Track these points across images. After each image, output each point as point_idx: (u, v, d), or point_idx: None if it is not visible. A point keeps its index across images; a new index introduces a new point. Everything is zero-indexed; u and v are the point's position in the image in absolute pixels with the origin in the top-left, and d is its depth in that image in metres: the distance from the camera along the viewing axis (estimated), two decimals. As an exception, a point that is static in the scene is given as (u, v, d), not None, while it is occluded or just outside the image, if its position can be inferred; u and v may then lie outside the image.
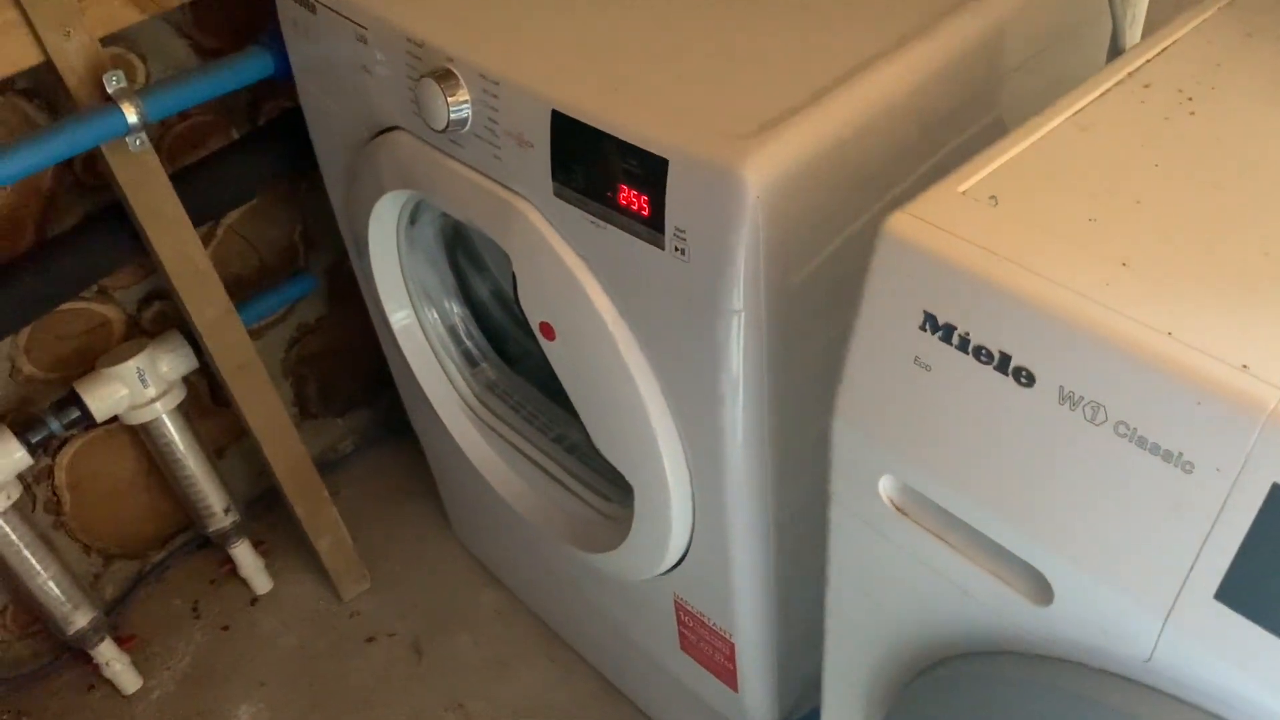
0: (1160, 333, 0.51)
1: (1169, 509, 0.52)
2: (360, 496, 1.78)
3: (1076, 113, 0.68)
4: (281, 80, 1.19)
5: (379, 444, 1.87)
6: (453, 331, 1.30)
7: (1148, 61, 0.72)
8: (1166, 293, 0.53)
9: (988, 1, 0.86)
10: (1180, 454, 0.51)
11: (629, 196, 0.78)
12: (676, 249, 0.76)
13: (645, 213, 0.77)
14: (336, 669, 1.56)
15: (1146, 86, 0.70)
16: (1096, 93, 0.70)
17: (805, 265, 0.79)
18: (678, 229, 0.76)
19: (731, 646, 1.08)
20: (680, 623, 1.14)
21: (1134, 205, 0.60)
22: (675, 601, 1.11)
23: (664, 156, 0.74)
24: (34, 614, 1.53)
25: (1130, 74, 0.71)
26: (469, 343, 1.31)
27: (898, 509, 0.69)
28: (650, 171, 0.75)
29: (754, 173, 0.71)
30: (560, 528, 1.21)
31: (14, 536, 1.38)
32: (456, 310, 1.30)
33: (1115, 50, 0.84)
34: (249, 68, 1.16)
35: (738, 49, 0.84)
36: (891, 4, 0.87)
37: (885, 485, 0.69)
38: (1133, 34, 0.86)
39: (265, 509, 1.73)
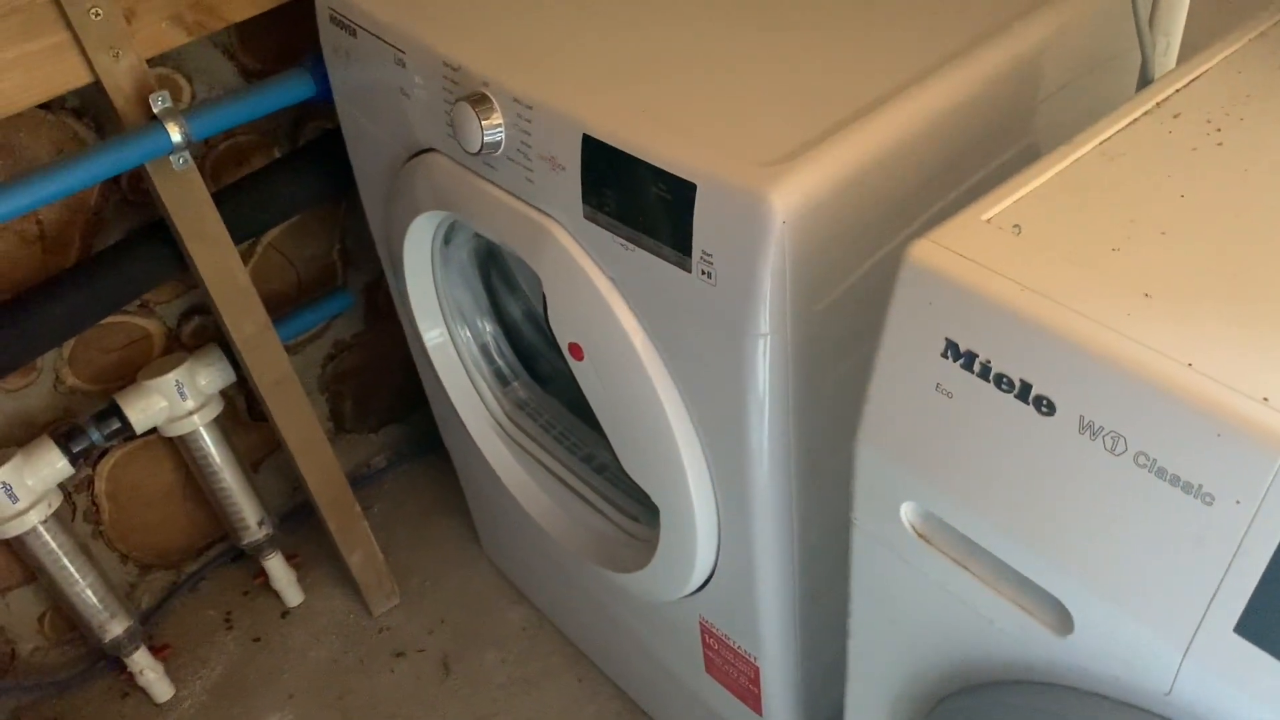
0: (1181, 364, 0.51)
1: (1189, 541, 0.52)
2: (392, 512, 1.80)
3: (1103, 142, 0.68)
4: (322, 102, 1.22)
5: (412, 460, 1.89)
6: (485, 350, 1.31)
7: (1177, 91, 0.72)
8: (1189, 324, 0.53)
9: (1020, 29, 0.86)
10: (1200, 486, 0.51)
11: (658, 220, 0.79)
12: (703, 273, 0.77)
13: (674, 237, 0.78)
14: (365, 683, 1.57)
15: (1175, 117, 0.70)
16: (1124, 122, 0.70)
17: (831, 290, 0.79)
18: (705, 253, 0.76)
19: (756, 670, 1.08)
20: (705, 645, 1.14)
21: (1159, 235, 0.60)
22: (700, 623, 1.11)
23: (692, 181, 0.75)
24: (71, 621, 1.56)
25: (1159, 104, 0.71)
26: (500, 361, 1.32)
27: (919, 535, 0.69)
28: (679, 196, 0.76)
29: (781, 199, 0.71)
30: (587, 547, 1.21)
31: (54, 545, 1.40)
32: (489, 329, 1.31)
33: (1145, 79, 0.83)
34: (291, 89, 1.19)
35: (769, 74, 0.85)
36: (925, 31, 0.88)
37: (907, 511, 0.69)
38: (1165, 63, 0.86)
39: (299, 522, 1.75)
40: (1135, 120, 0.70)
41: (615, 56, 0.91)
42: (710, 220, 0.75)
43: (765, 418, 0.82)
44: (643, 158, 0.78)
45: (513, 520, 1.40)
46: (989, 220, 0.62)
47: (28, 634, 1.56)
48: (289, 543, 1.70)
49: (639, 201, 0.80)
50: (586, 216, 0.86)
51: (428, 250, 1.19)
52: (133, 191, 1.35)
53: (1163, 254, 0.58)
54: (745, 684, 1.12)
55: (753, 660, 1.07)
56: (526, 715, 1.49)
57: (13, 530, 1.35)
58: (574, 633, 1.55)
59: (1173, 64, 0.87)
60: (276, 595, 1.68)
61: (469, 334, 1.29)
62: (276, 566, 1.65)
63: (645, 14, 0.96)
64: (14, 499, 1.33)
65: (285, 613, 1.68)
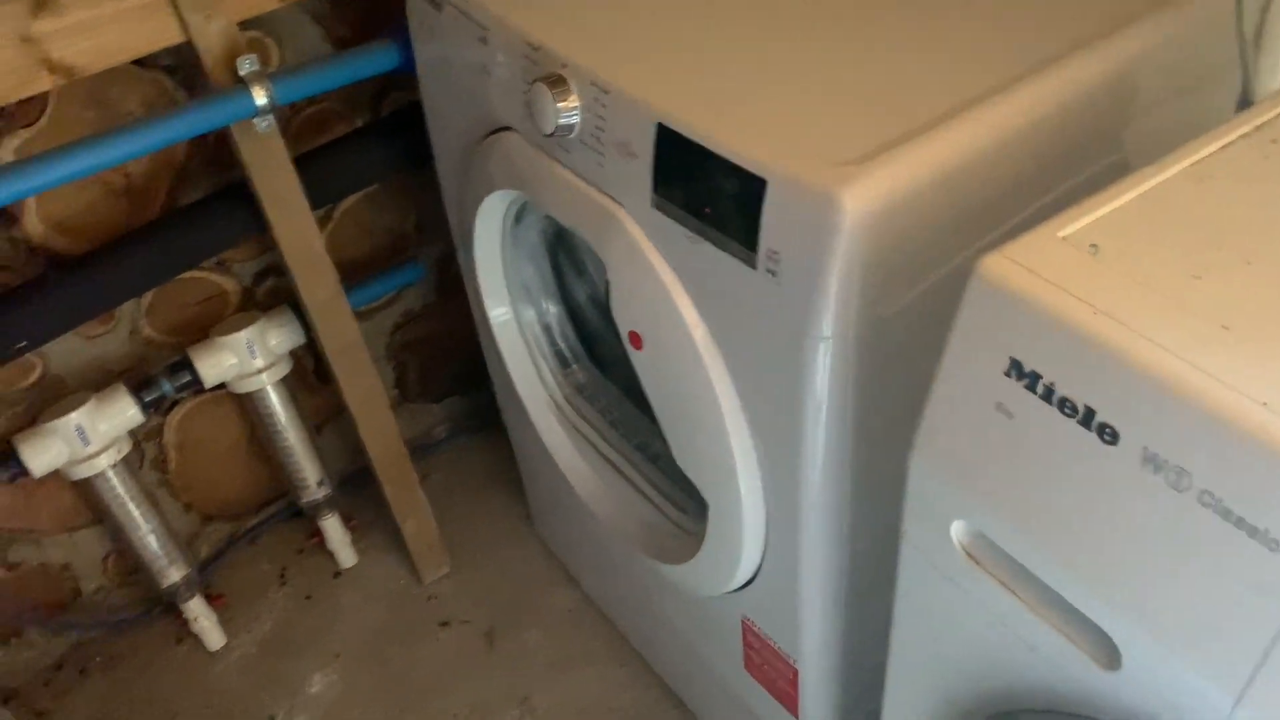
0: (1256, 402, 0.49)
1: (1250, 586, 0.50)
2: (448, 483, 1.82)
3: (1195, 163, 0.66)
4: (405, 74, 1.23)
5: (471, 434, 1.91)
6: (548, 331, 1.32)
7: (1278, 115, 0.69)
8: (1267, 361, 0.51)
9: (1118, 40, 0.83)
10: (1267, 530, 0.49)
11: (726, 214, 0.78)
12: (769, 270, 0.76)
13: (741, 232, 0.77)
14: (409, 649, 1.59)
15: (1274, 141, 0.67)
16: (1219, 144, 0.67)
17: (899, 297, 0.78)
18: (772, 250, 0.75)
19: (795, 672, 1.07)
20: (746, 643, 1.13)
21: (1243, 264, 0.57)
22: (742, 621, 1.10)
23: (763, 177, 0.74)
24: (133, 565, 1.61)
25: (1258, 127, 0.68)
26: (562, 344, 1.33)
27: (968, 555, 0.67)
28: (749, 191, 0.75)
29: (853, 200, 0.70)
30: (635, 534, 1.21)
31: (121, 490, 1.45)
32: (553, 311, 1.31)
33: (1245, 100, 0.80)
34: (376, 59, 1.20)
35: (853, 71, 0.84)
36: (1018, 36, 0.85)
37: (958, 530, 0.67)
38: (1269, 84, 0.83)
39: (357, 486, 1.77)
40: (1231, 143, 0.67)
41: (697, 47, 0.90)
42: (779, 217, 0.74)
43: (822, 422, 0.81)
44: (715, 150, 0.77)
45: (564, 502, 1.40)
46: (1065, 238, 0.60)
47: (92, 573, 1.61)
48: (346, 505, 1.72)
49: (709, 194, 0.79)
50: (655, 205, 0.85)
51: (498, 228, 1.20)
52: (218, 151, 1.38)
53: (1246, 285, 0.56)
54: (783, 685, 1.11)
55: (792, 662, 1.06)
56: (565, 696, 1.50)
57: (83, 473, 1.40)
58: (618, 619, 1.56)
59: (1277, 85, 0.83)
60: (330, 555, 1.71)
61: (534, 314, 1.30)
62: (332, 527, 1.68)
63: (733, 5, 0.95)
64: (86, 442, 1.37)
65: (337, 573, 1.72)
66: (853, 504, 0.89)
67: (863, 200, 0.70)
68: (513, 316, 1.29)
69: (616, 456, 1.27)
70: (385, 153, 1.39)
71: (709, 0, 0.96)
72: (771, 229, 0.75)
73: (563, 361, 1.33)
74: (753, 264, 0.77)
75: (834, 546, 0.92)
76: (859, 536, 0.93)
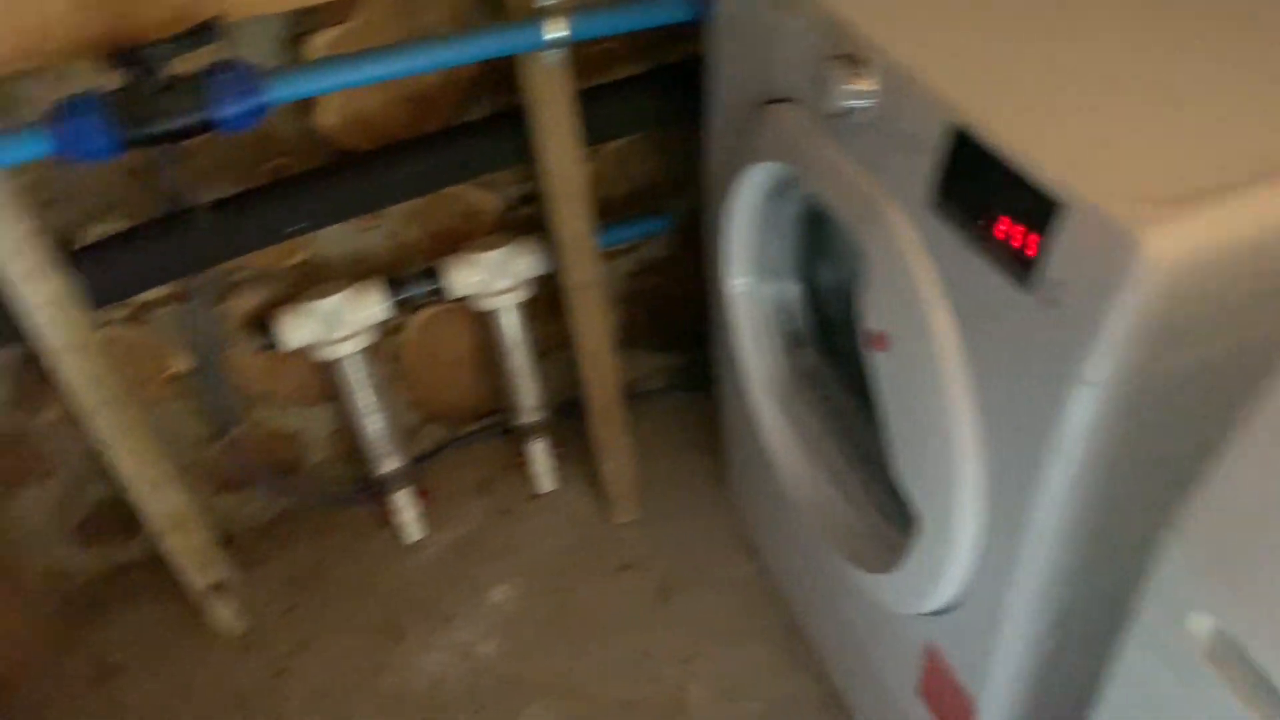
0: None
1: None
2: (654, 434, 1.84)
3: None
4: (694, 26, 1.22)
5: (684, 390, 1.91)
6: (784, 309, 1.29)
7: None
8: None
9: None
10: None
11: (1011, 232, 0.73)
12: (1049, 300, 0.71)
13: (1023, 253, 0.72)
14: (587, 583, 1.63)
15: None
16: None
17: (1184, 356, 0.71)
18: (1054, 280, 0.70)
19: (973, 711, 1.02)
20: (926, 667, 1.09)
21: None
22: (927, 645, 1.06)
23: (1063, 200, 0.69)
24: (354, 447, 1.72)
25: None
26: (796, 325, 1.30)
27: (1205, 655, 0.61)
28: (1042, 212, 0.70)
29: (1159, 244, 0.64)
30: (831, 531, 1.19)
31: (359, 376, 1.54)
32: (794, 290, 1.29)
33: None
34: (672, 9, 1.20)
35: (1183, 93, 0.76)
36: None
37: (1200, 624, 0.61)
38: None
39: (567, 417, 1.81)
40: None
41: (1014, 46, 0.84)
42: (1072, 246, 0.69)
43: (1067, 471, 0.75)
44: (1013, 163, 0.72)
45: (762, 478, 1.39)
46: None
47: (317, 447, 1.74)
48: (554, 432, 1.77)
49: (996, 206, 0.74)
50: (933, 208, 0.81)
51: (756, 199, 1.18)
52: (506, 73, 1.41)
53: None
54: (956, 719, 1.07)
55: (972, 699, 1.02)
56: (727, 669, 1.50)
57: (328, 354, 1.49)
58: (794, 603, 1.54)
59: None
60: (531, 477, 1.77)
61: (773, 290, 1.28)
62: (539, 451, 1.73)
63: (1070, 18, 0.88)
64: (336, 327, 1.46)
65: (534, 496, 1.77)
66: (1078, 559, 0.83)
67: (1170, 246, 0.64)
68: (751, 288, 1.27)
69: (828, 448, 1.24)
70: (659, 103, 1.40)
71: (1044, 11, 0.89)
72: (1060, 257, 0.69)
73: (792, 342, 1.31)
74: (1030, 289, 0.72)
75: (1047, 598, 0.86)
76: (1077, 593, 0.86)
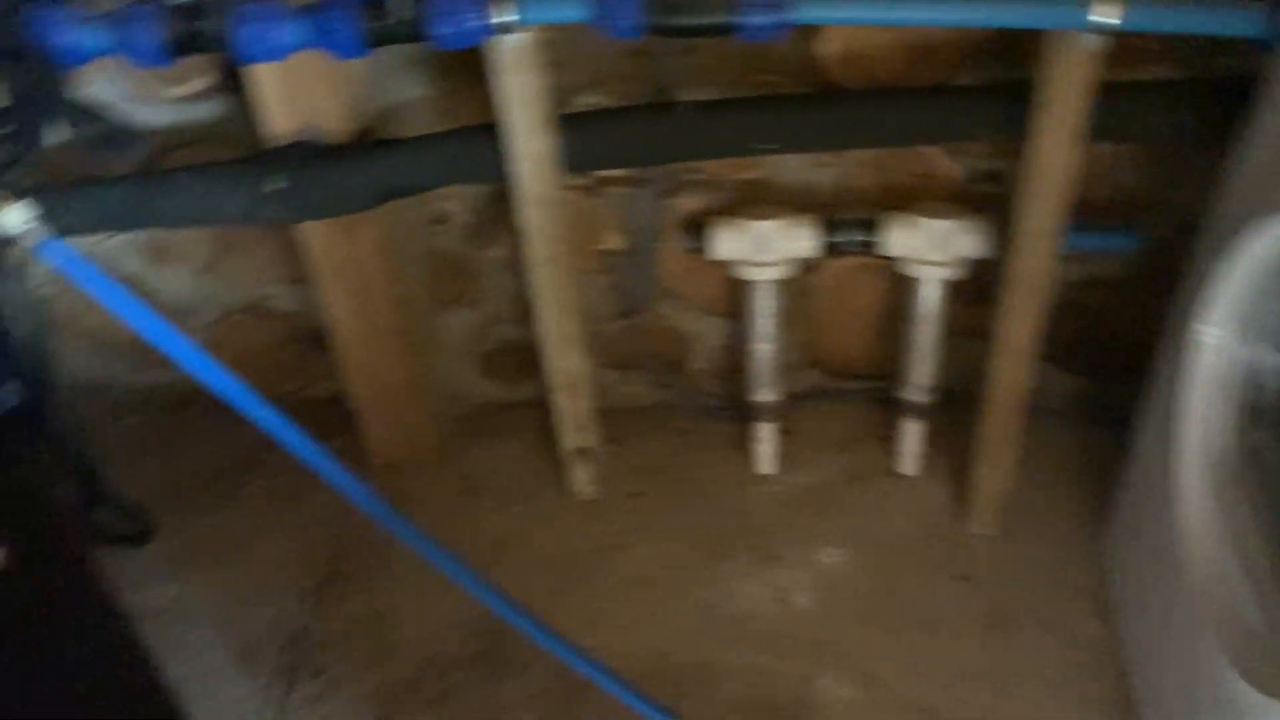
0: None
1: None
2: (1037, 455, 1.70)
3: None
4: (1249, 43, 1.07)
5: (1085, 421, 1.77)
6: (1254, 379, 1.14)
7: None
8: None
9: None
10: None
11: None
12: None
13: None
14: (918, 580, 1.57)
15: None
16: None
17: None
18: None
19: None
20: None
21: None
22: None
23: None
24: (736, 365, 1.75)
25: None
26: (1263, 400, 1.14)
27: None
28: None
29: None
30: (1228, 635, 1.05)
31: (767, 301, 1.56)
32: (1274, 362, 1.13)
33: None
34: (1244, 22, 1.06)
35: None
36: None
37: None
38: None
39: (953, 404, 1.73)
40: None
41: None
42: None
43: None
44: None
45: (1154, 546, 1.26)
46: None
47: (703, 355, 1.79)
48: (933, 417, 1.70)
49: None
50: None
51: (1270, 252, 1.03)
52: (1019, 44, 1.33)
53: None
54: None
55: None
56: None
57: (747, 274, 1.52)
58: (1141, 689, 1.39)
59: None
60: (895, 454, 1.72)
61: (1251, 354, 1.13)
62: (912, 431, 1.68)
63: None
64: (763, 251, 1.48)
65: (892, 473, 1.72)
66: None
67: None
68: (1224, 344, 1.13)
69: (1253, 545, 1.09)
70: (1183, 117, 1.25)
71: None
72: None
73: (1250, 417, 1.15)
74: None
75: None
76: None
